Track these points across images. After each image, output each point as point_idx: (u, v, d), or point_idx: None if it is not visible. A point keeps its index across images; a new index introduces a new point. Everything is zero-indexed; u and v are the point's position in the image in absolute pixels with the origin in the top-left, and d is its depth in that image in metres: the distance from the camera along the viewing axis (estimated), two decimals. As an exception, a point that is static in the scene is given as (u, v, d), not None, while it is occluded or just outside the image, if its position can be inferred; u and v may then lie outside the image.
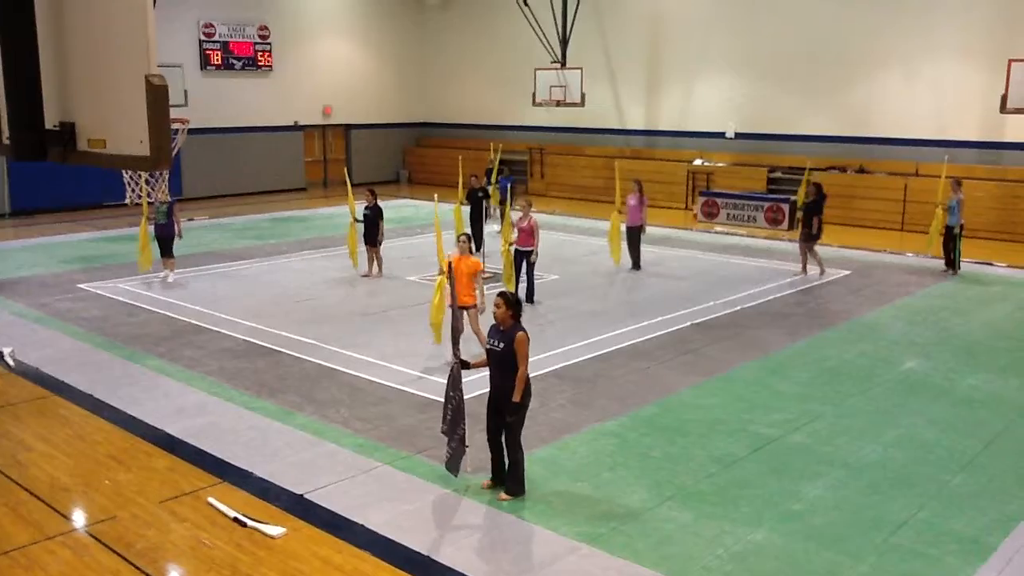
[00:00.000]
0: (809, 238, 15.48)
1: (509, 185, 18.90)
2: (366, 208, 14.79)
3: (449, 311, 8.48)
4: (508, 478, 7.13)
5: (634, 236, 15.73)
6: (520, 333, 6.95)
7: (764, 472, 7.56)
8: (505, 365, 6.99)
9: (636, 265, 15.79)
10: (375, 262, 15.00)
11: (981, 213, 19.40)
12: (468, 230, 15.52)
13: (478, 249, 16.10)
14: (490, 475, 7.28)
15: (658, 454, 7.93)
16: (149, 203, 14.88)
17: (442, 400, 9.13)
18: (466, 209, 16.91)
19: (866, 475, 7.53)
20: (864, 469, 7.65)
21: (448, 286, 8.22)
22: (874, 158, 21.45)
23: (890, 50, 20.83)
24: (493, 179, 18.76)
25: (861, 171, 21.43)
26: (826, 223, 20.64)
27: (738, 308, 13.11)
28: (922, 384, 9.90)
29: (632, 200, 15.64)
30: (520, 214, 13.30)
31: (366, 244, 14.86)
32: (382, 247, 15.07)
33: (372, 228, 14.76)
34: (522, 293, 13.00)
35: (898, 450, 8.06)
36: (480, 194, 16.48)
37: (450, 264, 8.29)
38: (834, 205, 21.20)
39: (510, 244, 13.13)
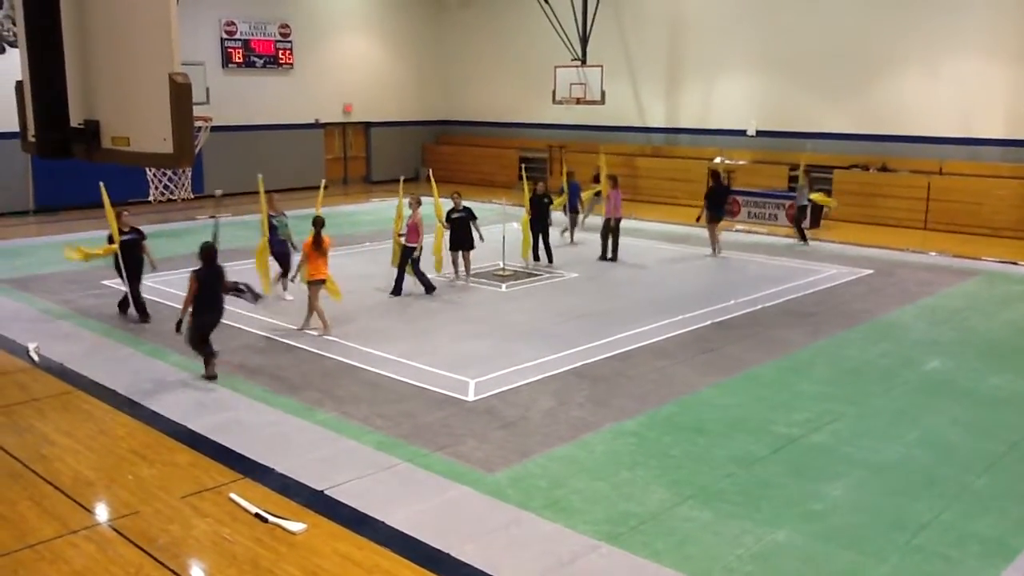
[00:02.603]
0: (715, 220, 16.84)
1: (578, 189, 18.23)
2: (452, 211, 14.33)
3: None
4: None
5: (609, 228, 16.38)
6: (192, 275, 9.61)
7: (785, 472, 7.52)
8: None
9: (604, 255, 16.35)
10: (463, 266, 14.56)
11: (1005, 211, 19.21)
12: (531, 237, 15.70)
13: (550, 260, 15.96)
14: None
15: (678, 453, 7.90)
16: (271, 218, 13.12)
17: (462, 398, 9.20)
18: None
19: (888, 476, 7.48)
20: (886, 469, 7.59)
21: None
22: (897, 156, 21.26)
23: (913, 47, 20.64)
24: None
25: (884, 169, 21.25)
26: (848, 221, 20.85)
27: (759, 307, 13.04)
28: (945, 384, 9.82)
29: (609, 193, 16.37)
30: (410, 211, 13.37)
31: (456, 249, 14.39)
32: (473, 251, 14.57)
33: (465, 232, 14.27)
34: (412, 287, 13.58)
35: (921, 450, 8.00)
36: (546, 199, 16.20)
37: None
38: (856, 203, 21.18)
39: (399, 235, 13.35)
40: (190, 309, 9.71)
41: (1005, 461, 7.80)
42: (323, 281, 11.55)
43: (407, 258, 13.36)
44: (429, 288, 13.59)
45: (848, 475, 7.47)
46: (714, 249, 17.01)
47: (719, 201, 17.00)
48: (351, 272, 14.16)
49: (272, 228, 13.00)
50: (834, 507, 6.91)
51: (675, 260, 16.76)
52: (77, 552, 6.20)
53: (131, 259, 11.83)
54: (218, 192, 10.98)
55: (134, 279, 11.95)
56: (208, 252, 9.75)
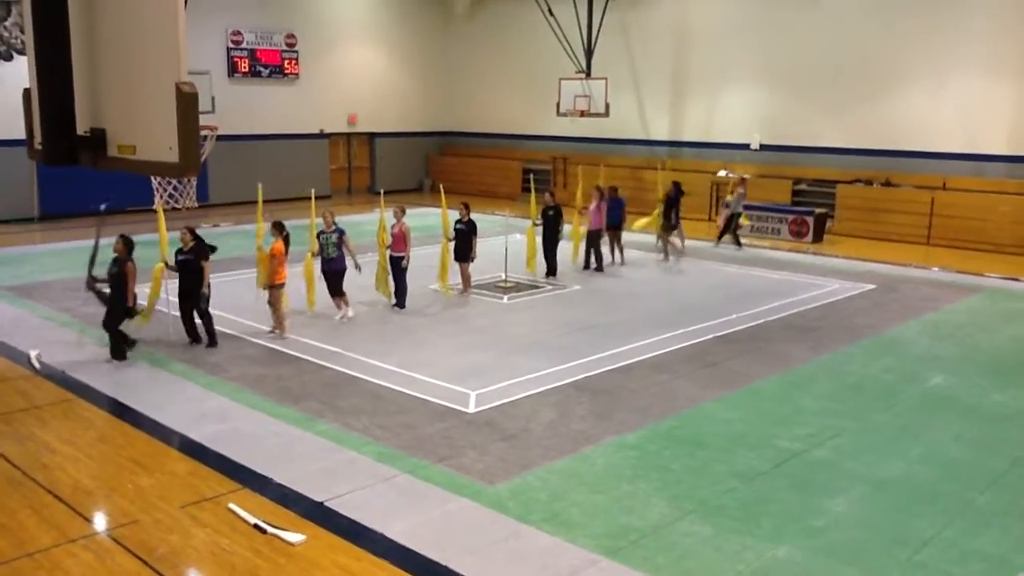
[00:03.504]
0: (669, 229, 17.63)
1: (623, 205, 17.51)
2: (458, 222, 14.28)
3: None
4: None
5: (594, 239, 16.49)
6: (128, 264, 10.42)
7: (786, 487, 7.50)
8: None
9: (599, 267, 16.61)
10: (464, 280, 14.49)
11: (1009, 228, 19.20)
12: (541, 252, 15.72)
13: (554, 272, 15.86)
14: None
15: (678, 467, 7.88)
16: (319, 235, 12.77)
17: (463, 410, 9.18)
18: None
19: (890, 491, 7.45)
20: (888, 485, 7.57)
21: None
22: (900, 171, 21.27)
23: (918, 62, 20.68)
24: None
25: (887, 184, 21.27)
26: (851, 236, 20.90)
27: (761, 321, 13.03)
28: (948, 400, 9.79)
29: (592, 205, 16.51)
30: (395, 220, 13.28)
31: (456, 260, 14.30)
32: (471, 265, 14.48)
33: (464, 244, 14.23)
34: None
35: (923, 466, 7.97)
36: (551, 212, 16.16)
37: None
38: (859, 218, 21.22)
39: (386, 247, 13.25)
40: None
41: (1008, 478, 7.77)
42: (283, 284, 11.88)
43: (398, 267, 13.27)
44: (400, 302, 13.42)
45: (850, 491, 7.44)
46: (665, 254, 17.78)
47: (676, 210, 17.72)
48: (353, 282, 14.15)
49: (320, 247, 12.69)
50: (836, 523, 6.88)
51: (678, 273, 16.75)
52: (75, 561, 6.19)
53: (185, 280, 11.20)
54: (103, 206, 11.16)
55: (184, 299, 11.22)
56: (131, 243, 10.60)
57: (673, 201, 17.68)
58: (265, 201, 13.40)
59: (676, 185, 17.97)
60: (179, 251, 11.30)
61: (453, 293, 14.29)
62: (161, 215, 11.55)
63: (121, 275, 10.40)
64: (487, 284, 15.07)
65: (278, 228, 11.96)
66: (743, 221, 19.59)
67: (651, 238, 18.16)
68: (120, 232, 10.85)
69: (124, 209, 22.34)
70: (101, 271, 10.73)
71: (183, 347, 11.27)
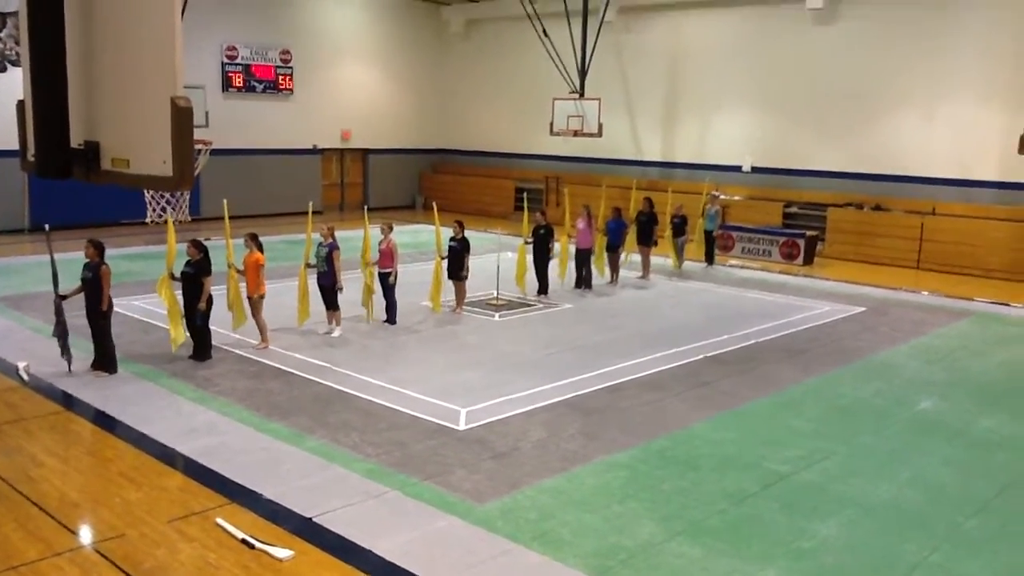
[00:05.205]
0: (650, 244, 17.81)
1: (624, 227, 17.50)
2: (452, 240, 14.21)
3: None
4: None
5: (584, 258, 16.69)
6: (104, 267, 10.43)
7: (776, 509, 7.49)
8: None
9: (588, 285, 16.77)
10: (459, 297, 14.42)
11: (999, 253, 19.32)
12: (533, 270, 15.73)
13: (545, 290, 15.87)
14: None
15: (669, 488, 7.87)
16: (319, 247, 12.71)
17: (453, 427, 9.14)
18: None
19: (879, 515, 7.45)
20: (877, 509, 7.57)
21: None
22: (891, 196, 21.40)
23: (909, 88, 20.86)
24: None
25: (878, 208, 21.40)
26: (841, 259, 21.01)
27: (752, 342, 13.05)
28: (937, 425, 9.81)
29: (581, 224, 16.63)
30: (382, 236, 13.35)
31: (449, 278, 14.20)
32: (466, 282, 14.41)
33: (457, 262, 14.14)
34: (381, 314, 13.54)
35: (912, 491, 7.98)
36: (542, 231, 16.11)
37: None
38: (850, 242, 21.33)
39: (372, 265, 13.29)
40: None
41: (996, 503, 7.78)
42: (264, 295, 12.00)
43: (386, 283, 13.30)
44: (391, 318, 13.47)
45: (839, 514, 7.44)
46: (644, 271, 18.00)
47: (649, 227, 17.84)
48: (344, 298, 14.16)
49: (320, 259, 12.65)
50: (824, 545, 6.88)
51: (669, 294, 16.79)
52: (61, 575, 6.13)
53: (188, 292, 11.23)
54: (47, 227, 11.22)
55: (187, 311, 11.24)
56: (102, 246, 10.67)
57: (653, 218, 17.79)
58: (257, 216, 13.36)
59: (649, 202, 18.04)
60: (187, 263, 11.30)
61: (443, 310, 14.27)
62: (171, 227, 11.45)
63: (97, 279, 10.43)
64: (479, 302, 15.08)
65: (253, 240, 12.06)
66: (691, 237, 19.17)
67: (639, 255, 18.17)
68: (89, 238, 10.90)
69: (118, 222, 22.41)
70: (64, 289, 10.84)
71: (172, 360, 11.22)
